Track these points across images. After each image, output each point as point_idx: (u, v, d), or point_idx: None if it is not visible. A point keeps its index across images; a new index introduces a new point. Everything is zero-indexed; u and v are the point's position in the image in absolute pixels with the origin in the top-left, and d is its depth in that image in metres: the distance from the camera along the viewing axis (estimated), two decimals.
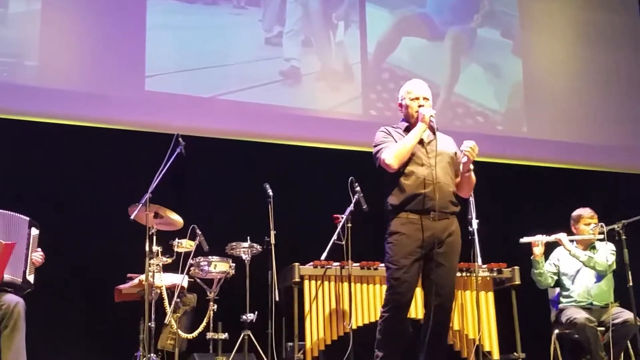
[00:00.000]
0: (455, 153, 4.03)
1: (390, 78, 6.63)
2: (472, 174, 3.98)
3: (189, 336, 4.83)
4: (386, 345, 3.82)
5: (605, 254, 5.07)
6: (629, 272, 4.78)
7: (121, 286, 4.91)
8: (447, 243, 3.85)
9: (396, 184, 3.88)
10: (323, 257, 4.72)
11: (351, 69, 6.65)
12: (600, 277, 5.07)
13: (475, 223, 4.55)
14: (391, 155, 3.85)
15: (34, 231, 4.42)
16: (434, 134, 3.95)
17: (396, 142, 3.93)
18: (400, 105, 4.10)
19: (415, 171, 3.87)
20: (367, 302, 4.85)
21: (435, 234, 3.80)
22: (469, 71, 7.10)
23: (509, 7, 7.41)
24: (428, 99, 4.02)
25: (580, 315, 4.85)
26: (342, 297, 4.80)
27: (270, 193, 5.02)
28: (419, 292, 4.38)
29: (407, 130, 3.98)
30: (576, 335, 4.90)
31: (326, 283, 4.84)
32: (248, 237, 4.98)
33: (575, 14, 7.68)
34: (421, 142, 3.94)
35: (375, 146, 4.01)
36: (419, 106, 3.97)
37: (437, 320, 3.81)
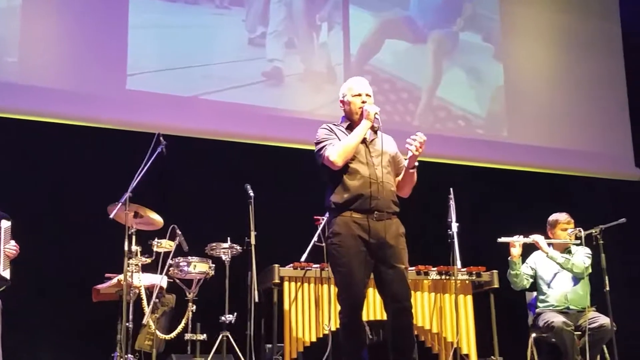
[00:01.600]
0: (396, 153, 4.00)
1: (373, 80, 6.59)
2: (415, 172, 3.93)
3: (167, 337, 4.80)
4: (351, 350, 3.77)
5: (581, 257, 5.11)
6: (606, 277, 4.83)
7: (99, 286, 4.88)
8: (393, 243, 3.78)
9: (339, 182, 3.82)
10: (303, 258, 4.73)
11: (334, 70, 6.65)
12: (577, 280, 5.11)
13: (454, 226, 4.58)
14: (335, 152, 3.79)
15: (5, 224, 4.38)
16: (375, 132, 3.93)
17: (339, 139, 3.88)
18: (342, 102, 4.02)
19: (359, 170, 3.82)
20: None
21: (379, 234, 3.74)
22: (451, 75, 7.13)
23: (491, 12, 7.45)
24: (370, 96, 3.97)
25: (558, 319, 4.88)
26: (322, 299, 4.80)
27: (251, 194, 5.00)
28: (372, 293, 4.35)
29: (350, 128, 3.93)
30: (553, 339, 4.94)
31: (306, 285, 4.83)
32: (228, 238, 4.97)
33: (556, 19, 7.74)
34: (364, 140, 3.89)
35: (317, 143, 3.93)
36: (362, 102, 3.93)
37: (401, 322, 3.77)
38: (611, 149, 7.55)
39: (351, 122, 3.97)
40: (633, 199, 7.26)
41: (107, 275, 4.88)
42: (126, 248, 4.43)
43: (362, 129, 3.85)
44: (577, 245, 5.13)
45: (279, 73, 6.44)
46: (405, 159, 3.94)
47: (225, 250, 4.96)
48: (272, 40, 6.48)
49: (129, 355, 4.46)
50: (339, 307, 4.40)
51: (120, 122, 5.82)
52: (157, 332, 4.74)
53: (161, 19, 6.13)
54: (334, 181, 3.86)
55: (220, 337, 4.78)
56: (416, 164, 3.91)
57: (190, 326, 4.84)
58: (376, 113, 3.85)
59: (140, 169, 4.43)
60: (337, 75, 6.64)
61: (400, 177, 3.98)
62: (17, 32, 5.64)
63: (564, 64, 7.63)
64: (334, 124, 4.02)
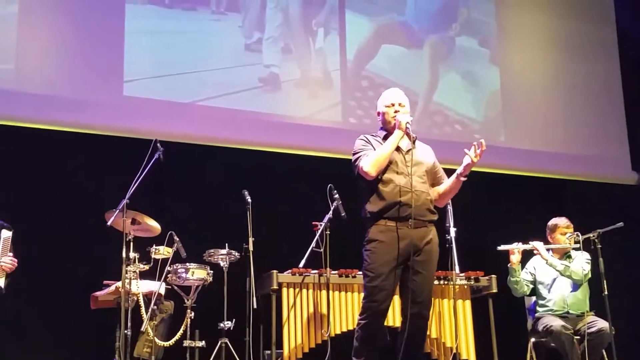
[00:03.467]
0: (434, 163, 4.04)
1: (370, 85, 6.65)
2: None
3: (166, 344, 4.79)
4: (363, 352, 3.83)
5: (581, 263, 5.12)
6: (604, 281, 4.83)
7: (97, 293, 4.86)
8: (425, 251, 3.86)
9: (374, 192, 3.90)
10: (301, 264, 4.73)
11: (330, 76, 6.65)
12: (576, 286, 5.12)
13: (452, 231, 4.58)
14: (369, 163, 3.86)
15: (5, 233, 4.35)
16: (413, 142, 3.97)
17: (375, 149, 3.94)
18: (379, 113, 4.12)
19: (393, 179, 3.88)
20: (345, 310, 4.85)
21: (412, 241, 3.81)
22: (448, 79, 7.14)
23: (487, 17, 7.46)
24: (404, 105, 4.03)
25: (556, 323, 4.88)
26: (320, 305, 4.80)
27: (249, 200, 5.00)
28: (396, 300, 4.38)
29: (386, 138, 4.00)
30: (552, 344, 4.94)
31: (304, 291, 4.83)
32: (226, 244, 4.97)
33: (552, 24, 7.76)
34: (399, 150, 3.95)
35: (354, 154, 4.01)
36: (395, 112, 3.99)
37: (414, 328, 3.83)
38: (608, 152, 7.56)
39: (387, 132, 4.03)
40: (630, 202, 7.27)
41: (105, 282, 4.87)
42: (124, 255, 4.42)
43: (395, 139, 3.91)
44: (577, 250, 5.13)
45: (275, 79, 6.44)
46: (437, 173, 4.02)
47: (223, 256, 4.95)
48: (269, 45, 6.48)
49: None
50: (338, 313, 4.42)
51: (118, 129, 5.81)
52: (156, 339, 4.73)
53: (157, 25, 6.13)
54: (369, 191, 3.93)
55: (219, 343, 4.78)
56: (463, 177, 3.98)
57: (188, 333, 4.83)
58: (407, 123, 3.90)
59: (137, 176, 4.42)
60: (333, 80, 6.64)
61: (445, 185, 4.04)
62: (14, 39, 5.62)
63: (560, 68, 7.64)
64: (372, 135, 4.10)
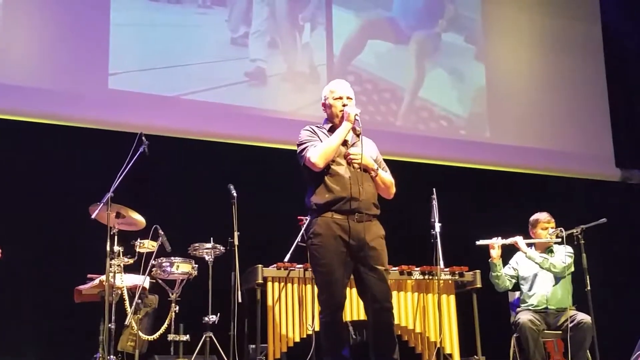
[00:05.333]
0: (377, 156, 4.03)
1: (356, 81, 6.64)
2: (381, 174, 3.95)
3: (150, 338, 4.78)
4: (333, 349, 3.80)
5: (561, 256, 5.15)
6: (587, 277, 4.87)
7: (81, 287, 4.84)
8: (374, 245, 3.83)
9: (320, 183, 3.87)
10: (287, 258, 4.72)
11: (317, 70, 6.65)
12: (557, 280, 5.15)
13: (437, 226, 4.60)
14: (316, 154, 3.84)
15: None
16: (358, 136, 3.96)
17: (321, 141, 3.92)
18: (324, 105, 4.08)
19: (340, 171, 3.86)
20: None
21: (359, 235, 3.79)
22: (433, 75, 7.16)
23: (473, 13, 7.49)
24: (351, 98, 4.02)
25: (525, 317, 4.95)
26: (305, 299, 4.80)
27: (234, 194, 4.99)
28: (353, 293, 4.37)
29: (332, 130, 3.97)
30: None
31: (289, 285, 4.82)
32: (211, 238, 4.95)
33: (537, 20, 7.79)
34: (346, 143, 3.94)
35: (299, 144, 3.98)
36: (343, 105, 3.97)
37: (381, 323, 3.81)
38: (592, 149, 7.62)
39: (333, 124, 4.01)
40: (613, 198, 7.33)
41: (89, 276, 4.84)
42: (108, 248, 4.40)
43: (343, 131, 3.89)
44: (559, 244, 5.17)
45: (261, 73, 6.43)
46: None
47: (208, 250, 4.94)
48: (255, 40, 6.47)
49: (112, 356, 4.44)
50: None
51: (102, 122, 5.78)
52: (140, 333, 4.71)
53: (143, 18, 6.10)
54: (315, 182, 3.90)
55: (203, 337, 4.77)
56: (374, 172, 3.91)
57: (173, 327, 4.82)
58: (356, 115, 3.90)
59: (122, 169, 4.40)
60: (320, 75, 6.64)
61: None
62: None
63: (545, 65, 7.68)
64: (317, 126, 4.06)
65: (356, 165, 3.86)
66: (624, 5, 8.05)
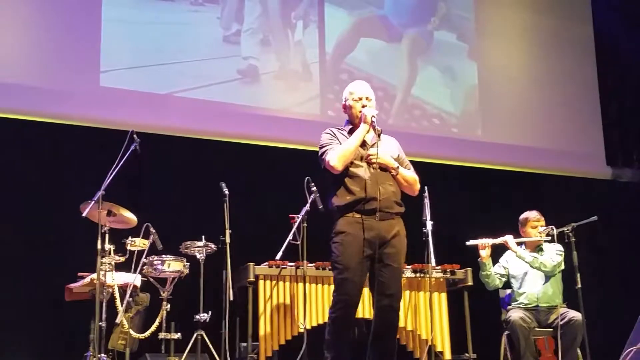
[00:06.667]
0: (398, 155, 4.05)
1: (349, 78, 6.62)
2: (403, 172, 3.98)
3: (141, 336, 4.77)
4: (335, 346, 3.82)
5: (551, 254, 5.16)
6: (578, 275, 4.89)
7: (72, 285, 4.82)
8: (393, 243, 3.88)
9: (341, 185, 3.91)
10: (278, 256, 4.72)
11: (309, 68, 6.64)
12: (547, 278, 5.16)
13: (429, 224, 4.60)
14: (335, 157, 3.88)
15: None
16: (378, 135, 3.98)
17: (341, 143, 3.95)
18: (344, 106, 4.12)
19: (359, 173, 3.90)
20: (321, 302, 4.86)
21: (379, 234, 3.83)
22: (426, 73, 7.17)
23: (465, 11, 7.50)
24: (371, 99, 4.04)
25: (516, 315, 4.97)
26: (297, 297, 4.80)
27: (226, 192, 4.98)
28: (367, 292, 4.38)
29: (352, 132, 4.00)
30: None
31: (281, 283, 4.83)
32: (203, 236, 4.95)
33: (530, 19, 7.81)
34: (365, 144, 3.97)
35: (320, 148, 4.02)
36: (362, 106, 3.99)
37: (386, 321, 3.85)
38: (583, 147, 7.64)
39: (353, 125, 4.04)
40: (604, 197, 7.36)
41: (80, 274, 4.83)
42: (99, 246, 4.38)
43: (361, 133, 3.93)
44: (549, 242, 5.18)
45: (254, 71, 6.42)
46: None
47: (199, 248, 4.94)
48: (247, 37, 6.46)
49: (102, 354, 4.42)
50: (315, 306, 4.40)
51: (94, 120, 5.75)
52: (131, 332, 4.70)
53: (135, 15, 6.08)
54: (336, 184, 3.94)
55: (194, 336, 4.76)
56: (394, 171, 3.94)
57: (164, 325, 4.81)
58: (373, 116, 3.91)
59: (113, 167, 4.38)
60: (312, 73, 6.64)
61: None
62: None
63: (536, 64, 7.70)
64: (338, 128, 4.10)
65: (375, 166, 3.89)
66: (615, 5, 8.08)
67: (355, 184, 3.88)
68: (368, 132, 3.95)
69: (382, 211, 3.84)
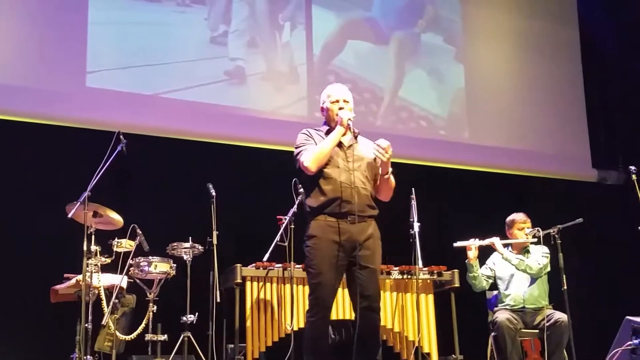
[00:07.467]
0: (375, 158, 4.05)
1: (336, 80, 6.58)
2: (392, 177, 4.01)
3: (127, 338, 4.74)
4: (315, 349, 3.83)
5: (537, 257, 5.18)
6: (564, 276, 4.91)
7: (57, 286, 4.79)
8: (367, 245, 3.88)
9: (315, 187, 3.92)
10: (265, 258, 4.71)
11: (297, 70, 6.65)
12: (534, 280, 5.18)
13: (416, 226, 4.61)
14: (309, 158, 3.88)
15: None
16: (355, 138, 3.99)
17: (316, 144, 3.95)
18: (322, 108, 4.13)
19: (334, 175, 3.90)
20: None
21: (352, 237, 3.84)
22: (413, 76, 7.19)
23: (453, 14, 7.53)
24: (348, 102, 4.05)
25: (502, 316, 4.99)
26: (284, 299, 4.79)
27: (213, 193, 4.97)
28: (341, 292, 4.42)
29: (328, 133, 4.00)
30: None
31: (268, 284, 4.82)
32: (190, 238, 4.93)
33: (516, 22, 7.85)
34: (341, 145, 3.97)
35: (295, 148, 4.02)
36: (339, 109, 4.00)
37: (367, 322, 3.85)
38: (569, 150, 7.70)
39: (330, 127, 4.04)
40: (590, 199, 7.41)
41: (65, 275, 4.80)
42: (85, 248, 4.36)
43: (336, 135, 3.93)
44: (535, 244, 5.21)
45: (241, 72, 6.41)
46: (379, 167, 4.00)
47: (186, 250, 4.92)
48: (235, 39, 6.45)
49: (88, 356, 4.39)
50: (302, 307, 4.39)
51: (80, 120, 5.73)
52: (117, 333, 4.68)
53: (122, 16, 6.05)
54: (310, 185, 3.95)
55: (181, 337, 4.75)
56: (390, 169, 3.97)
57: (150, 327, 4.79)
58: (349, 119, 3.92)
59: (99, 168, 4.36)
60: (299, 75, 6.64)
61: (378, 183, 4.04)
62: None
63: (523, 67, 7.74)
64: (315, 129, 4.10)
65: (378, 160, 3.89)
66: (602, 8, 8.14)
67: (329, 186, 3.88)
68: (345, 134, 3.96)
69: (355, 214, 3.83)
